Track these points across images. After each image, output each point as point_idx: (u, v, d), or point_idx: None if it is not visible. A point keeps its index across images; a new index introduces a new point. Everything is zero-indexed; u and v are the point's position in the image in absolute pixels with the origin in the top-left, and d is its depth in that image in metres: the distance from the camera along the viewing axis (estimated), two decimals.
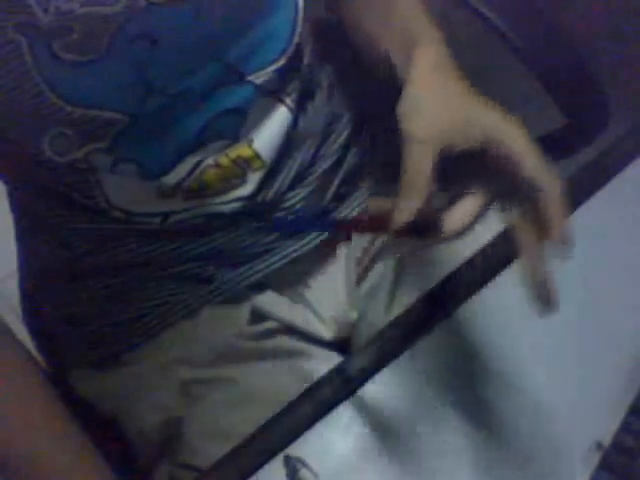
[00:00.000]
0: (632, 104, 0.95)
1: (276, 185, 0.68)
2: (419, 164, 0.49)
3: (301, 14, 0.65)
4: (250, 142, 0.65)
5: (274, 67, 0.63)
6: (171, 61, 0.57)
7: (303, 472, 0.55)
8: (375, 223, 0.51)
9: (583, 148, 0.84)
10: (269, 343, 0.70)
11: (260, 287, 0.71)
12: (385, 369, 0.60)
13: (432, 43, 0.57)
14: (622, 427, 0.56)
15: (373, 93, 0.72)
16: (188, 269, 0.68)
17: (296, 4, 0.64)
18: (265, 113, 0.65)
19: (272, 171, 0.67)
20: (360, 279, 0.77)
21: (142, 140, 0.60)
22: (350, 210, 0.74)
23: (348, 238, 0.76)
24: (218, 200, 0.66)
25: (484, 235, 0.65)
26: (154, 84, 0.58)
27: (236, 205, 0.66)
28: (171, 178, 0.63)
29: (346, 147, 0.73)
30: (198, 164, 0.63)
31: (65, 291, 0.72)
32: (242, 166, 0.65)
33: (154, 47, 0.55)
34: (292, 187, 0.69)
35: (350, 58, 0.72)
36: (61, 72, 0.54)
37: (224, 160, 0.64)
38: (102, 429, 0.70)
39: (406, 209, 0.48)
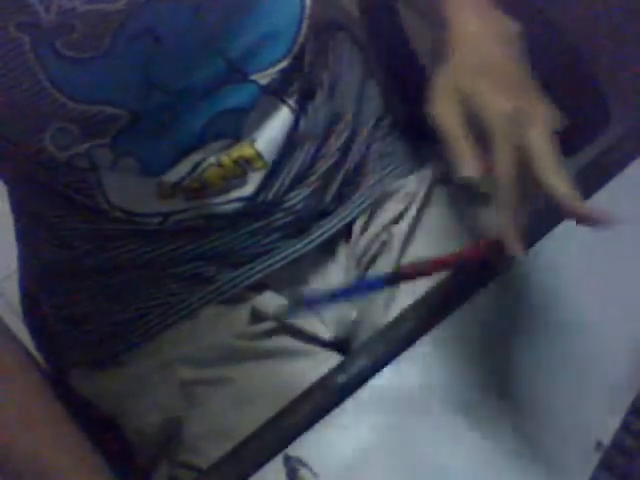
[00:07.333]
0: (632, 104, 0.95)
1: (277, 185, 0.68)
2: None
3: (307, 13, 0.64)
4: (252, 142, 0.65)
5: (279, 68, 0.63)
6: (173, 58, 0.57)
7: (303, 472, 0.55)
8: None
9: (583, 148, 0.83)
10: (269, 343, 0.70)
11: (260, 287, 0.71)
12: (385, 369, 0.60)
13: None
14: (622, 427, 0.56)
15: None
16: (188, 269, 0.68)
17: (303, 4, 0.64)
18: (268, 113, 0.65)
19: (273, 171, 0.67)
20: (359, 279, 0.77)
21: (143, 137, 0.60)
22: (350, 211, 0.74)
23: (348, 240, 0.75)
24: (218, 200, 0.66)
25: None
26: (156, 81, 0.58)
27: (236, 205, 0.66)
28: (172, 176, 0.63)
29: (346, 147, 0.73)
30: (199, 163, 0.63)
31: (65, 291, 0.72)
32: (243, 166, 0.65)
33: (156, 44, 0.55)
34: (292, 187, 0.69)
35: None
36: (64, 69, 0.54)
37: (225, 159, 0.64)
38: (102, 429, 0.70)
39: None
